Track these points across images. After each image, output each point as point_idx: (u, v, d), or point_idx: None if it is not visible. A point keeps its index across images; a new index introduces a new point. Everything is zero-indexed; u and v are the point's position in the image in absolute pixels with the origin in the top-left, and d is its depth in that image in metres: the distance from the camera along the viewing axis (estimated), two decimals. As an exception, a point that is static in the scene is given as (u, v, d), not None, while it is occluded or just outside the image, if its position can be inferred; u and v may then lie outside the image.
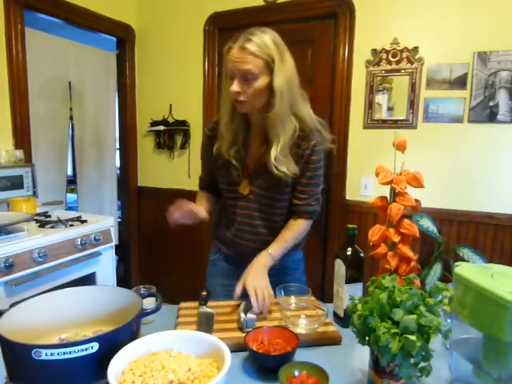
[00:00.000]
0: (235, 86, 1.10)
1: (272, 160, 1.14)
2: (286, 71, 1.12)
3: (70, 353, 0.68)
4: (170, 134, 2.84)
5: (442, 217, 2.14)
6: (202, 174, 1.43)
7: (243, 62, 1.08)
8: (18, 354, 0.70)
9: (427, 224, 2.01)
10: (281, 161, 1.15)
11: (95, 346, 0.70)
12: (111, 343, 0.72)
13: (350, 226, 1.09)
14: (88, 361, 0.70)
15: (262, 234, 1.27)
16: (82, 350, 0.69)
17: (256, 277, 1.11)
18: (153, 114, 2.90)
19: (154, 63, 2.89)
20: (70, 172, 3.35)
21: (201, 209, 1.20)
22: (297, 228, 1.26)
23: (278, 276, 1.26)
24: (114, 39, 2.86)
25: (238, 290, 1.08)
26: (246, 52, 1.08)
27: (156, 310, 0.89)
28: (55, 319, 0.88)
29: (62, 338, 0.88)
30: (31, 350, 0.67)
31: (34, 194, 2.12)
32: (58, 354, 0.67)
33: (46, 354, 0.67)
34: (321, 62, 2.39)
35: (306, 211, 1.25)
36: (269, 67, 1.10)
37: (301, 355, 0.90)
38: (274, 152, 1.14)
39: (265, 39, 1.10)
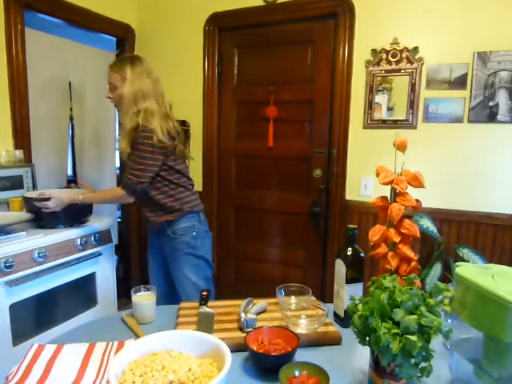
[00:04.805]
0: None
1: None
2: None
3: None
4: (170, 134, 2.83)
5: (442, 217, 2.14)
6: None
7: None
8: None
9: (427, 224, 2.01)
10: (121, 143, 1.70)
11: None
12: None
13: (351, 226, 1.09)
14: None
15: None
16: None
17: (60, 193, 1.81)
18: (153, 114, 2.89)
19: (153, 63, 2.86)
20: (70, 172, 3.35)
21: None
22: (109, 190, 1.96)
23: (171, 242, 1.73)
24: (114, 39, 2.86)
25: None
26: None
27: None
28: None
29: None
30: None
31: (34, 194, 2.12)
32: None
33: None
34: (321, 62, 2.39)
35: (121, 180, 1.72)
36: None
37: (301, 355, 0.90)
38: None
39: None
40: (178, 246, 1.73)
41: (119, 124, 3.01)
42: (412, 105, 2.15)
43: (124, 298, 2.54)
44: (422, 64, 2.12)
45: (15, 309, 1.58)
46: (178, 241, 1.73)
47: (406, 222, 1.74)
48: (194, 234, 1.75)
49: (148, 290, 1.17)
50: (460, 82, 2.05)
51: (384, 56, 2.19)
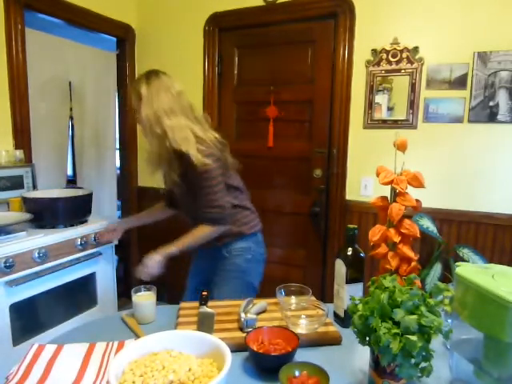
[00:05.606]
0: None
1: None
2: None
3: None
4: (170, 134, 2.83)
5: (442, 217, 2.14)
6: None
7: None
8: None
9: (427, 224, 2.01)
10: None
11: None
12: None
13: (351, 226, 1.09)
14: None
15: None
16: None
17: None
18: (153, 114, 2.89)
19: (154, 63, 2.88)
20: (70, 172, 3.35)
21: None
22: (196, 231, 1.50)
23: (224, 260, 1.58)
24: (114, 39, 2.86)
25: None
26: None
27: None
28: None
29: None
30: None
31: (34, 194, 2.12)
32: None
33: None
34: (321, 62, 2.38)
35: (203, 217, 1.47)
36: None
37: (301, 355, 0.90)
38: None
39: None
40: (229, 266, 1.59)
41: (119, 124, 3.03)
42: (412, 105, 2.15)
43: (124, 297, 2.54)
44: (422, 64, 2.12)
45: (15, 309, 1.59)
46: (230, 261, 1.59)
47: (406, 222, 1.74)
48: (249, 256, 1.60)
49: (148, 289, 1.17)
50: (460, 82, 2.05)
51: (384, 56, 2.19)
